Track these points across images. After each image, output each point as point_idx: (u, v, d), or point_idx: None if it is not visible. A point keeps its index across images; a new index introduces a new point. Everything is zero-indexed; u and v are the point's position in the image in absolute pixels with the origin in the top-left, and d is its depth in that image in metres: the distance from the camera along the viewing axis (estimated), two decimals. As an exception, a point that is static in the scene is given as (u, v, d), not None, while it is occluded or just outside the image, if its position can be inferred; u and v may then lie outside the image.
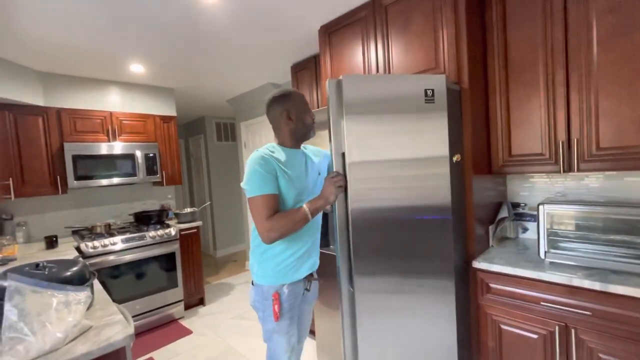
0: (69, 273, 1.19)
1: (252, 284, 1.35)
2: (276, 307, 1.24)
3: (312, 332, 2.31)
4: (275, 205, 1.19)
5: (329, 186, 1.24)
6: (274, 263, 1.26)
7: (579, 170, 1.45)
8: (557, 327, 1.31)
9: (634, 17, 1.28)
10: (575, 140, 1.44)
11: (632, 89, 1.30)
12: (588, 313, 1.25)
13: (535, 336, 1.38)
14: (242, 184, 1.22)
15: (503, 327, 1.47)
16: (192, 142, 5.47)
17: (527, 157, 1.60)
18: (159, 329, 2.82)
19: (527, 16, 1.54)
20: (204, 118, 4.98)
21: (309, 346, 2.39)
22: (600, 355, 1.22)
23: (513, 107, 1.63)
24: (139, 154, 3.04)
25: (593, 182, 1.65)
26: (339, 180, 1.23)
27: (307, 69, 2.70)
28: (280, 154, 1.28)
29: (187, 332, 2.74)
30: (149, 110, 3.27)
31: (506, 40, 1.62)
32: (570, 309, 1.28)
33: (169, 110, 3.43)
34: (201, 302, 3.30)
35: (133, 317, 2.66)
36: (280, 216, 1.17)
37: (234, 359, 2.32)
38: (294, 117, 1.30)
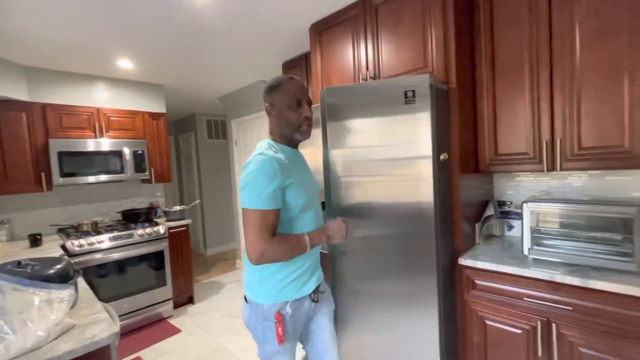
0: (52, 271, 1.17)
1: (246, 300, 1.17)
2: (280, 329, 1.08)
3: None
4: (275, 224, 1.04)
5: (339, 228, 1.18)
6: (277, 279, 1.10)
7: (562, 169, 1.48)
8: (539, 322, 1.35)
9: (614, 21, 1.32)
10: (559, 140, 1.47)
11: (612, 91, 1.33)
12: (569, 308, 1.28)
13: (518, 331, 1.41)
14: (240, 189, 1.06)
15: (488, 322, 1.50)
16: (182, 140, 5.41)
17: (512, 156, 1.63)
18: (147, 327, 2.79)
19: (514, 18, 1.57)
20: (194, 115, 4.93)
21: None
22: (580, 349, 1.26)
23: (499, 107, 1.66)
24: (127, 150, 2.99)
25: (576, 181, 1.69)
26: (345, 227, 1.20)
27: (298, 66, 2.69)
28: (282, 154, 1.12)
29: (176, 330, 2.72)
30: (137, 106, 3.22)
31: (493, 42, 1.65)
32: (552, 304, 1.32)
33: (159, 107, 3.38)
34: (190, 300, 3.28)
35: (121, 316, 2.63)
36: (279, 241, 1.03)
37: (224, 358, 2.31)
38: (276, 113, 1.14)
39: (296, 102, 1.13)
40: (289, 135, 1.16)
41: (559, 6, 1.44)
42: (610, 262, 1.29)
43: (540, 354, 1.35)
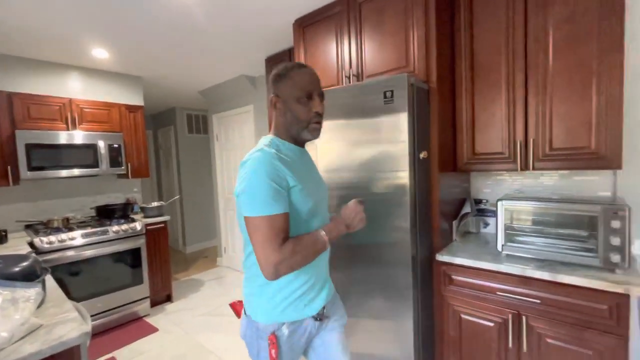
0: (17, 269, 1.11)
1: (245, 313, 1.05)
2: (273, 351, 0.96)
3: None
4: (286, 229, 0.90)
5: (357, 211, 1.00)
6: (280, 297, 0.97)
7: (534, 168, 1.54)
8: (510, 315, 1.40)
9: (585, 28, 1.38)
10: (532, 140, 1.53)
11: (581, 94, 1.40)
12: (538, 301, 1.34)
13: (491, 324, 1.47)
14: (236, 193, 0.92)
15: (463, 316, 1.55)
16: (161, 134, 5.25)
17: (489, 155, 1.68)
18: (123, 327, 2.70)
19: (492, 21, 1.61)
20: (174, 109, 4.79)
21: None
22: (548, 340, 1.32)
23: (477, 108, 1.70)
24: (101, 144, 2.87)
25: (548, 180, 1.77)
26: (363, 209, 1.03)
27: (281, 62, 2.66)
28: (286, 152, 0.98)
29: (153, 329, 2.65)
30: (113, 98, 3.10)
31: (472, 44, 1.69)
32: (523, 298, 1.38)
33: (136, 100, 3.27)
34: (168, 299, 3.20)
35: (95, 315, 2.54)
36: (293, 246, 0.88)
37: (202, 356, 2.27)
38: (282, 106, 0.99)
39: (306, 94, 0.97)
40: (296, 132, 1.00)
41: (534, 11, 1.49)
42: (577, 257, 1.36)
43: (510, 345, 1.40)
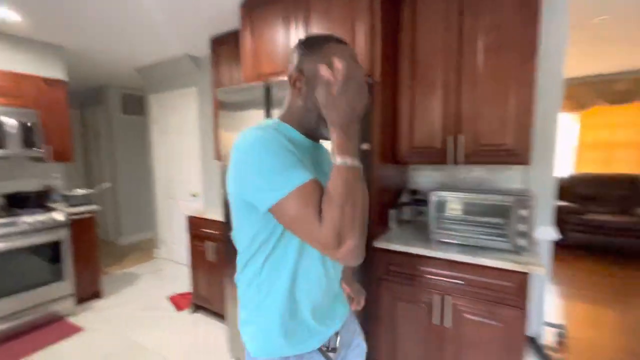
0: None
1: (244, 344, 0.86)
2: None
3: (222, 316, 2.26)
4: (322, 194, 0.66)
5: (342, 85, 0.63)
6: (278, 322, 0.76)
7: (463, 162, 1.69)
8: (437, 296, 1.54)
9: (509, 36, 1.52)
10: (462, 137, 1.67)
11: (503, 96, 1.56)
12: (461, 282, 1.49)
13: (422, 304, 1.59)
14: (232, 186, 0.73)
15: (398, 298, 1.66)
16: (90, 114, 4.69)
17: (425, 149, 1.80)
18: (41, 329, 2.41)
19: (432, 22, 1.71)
20: (106, 86, 4.30)
21: (220, 332, 2.34)
22: (466, 315, 1.48)
23: (416, 104, 1.80)
24: (8, 121, 2.46)
25: (477, 173, 1.95)
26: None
27: (227, 44, 2.53)
28: (294, 143, 0.72)
29: (77, 329, 2.40)
30: (26, 69, 2.66)
31: (414, 42, 1.77)
32: (449, 280, 1.52)
33: (57, 73, 2.85)
34: (97, 295, 2.92)
35: (4, 317, 2.23)
36: (331, 205, 0.63)
37: (135, 354, 2.13)
38: (303, 86, 0.75)
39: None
40: (314, 125, 0.77)
41: (469, 16, 1.61)
42: (493, 242, 1.53)
43: (435, 322, 1.55)
